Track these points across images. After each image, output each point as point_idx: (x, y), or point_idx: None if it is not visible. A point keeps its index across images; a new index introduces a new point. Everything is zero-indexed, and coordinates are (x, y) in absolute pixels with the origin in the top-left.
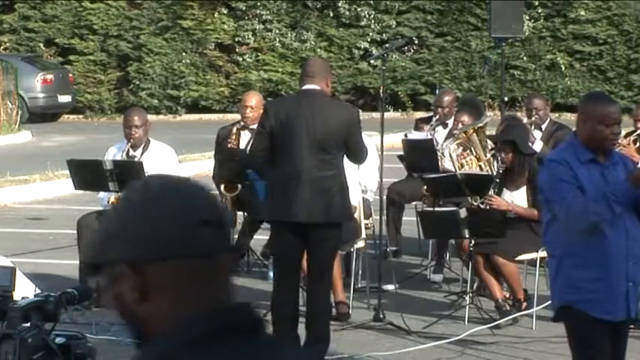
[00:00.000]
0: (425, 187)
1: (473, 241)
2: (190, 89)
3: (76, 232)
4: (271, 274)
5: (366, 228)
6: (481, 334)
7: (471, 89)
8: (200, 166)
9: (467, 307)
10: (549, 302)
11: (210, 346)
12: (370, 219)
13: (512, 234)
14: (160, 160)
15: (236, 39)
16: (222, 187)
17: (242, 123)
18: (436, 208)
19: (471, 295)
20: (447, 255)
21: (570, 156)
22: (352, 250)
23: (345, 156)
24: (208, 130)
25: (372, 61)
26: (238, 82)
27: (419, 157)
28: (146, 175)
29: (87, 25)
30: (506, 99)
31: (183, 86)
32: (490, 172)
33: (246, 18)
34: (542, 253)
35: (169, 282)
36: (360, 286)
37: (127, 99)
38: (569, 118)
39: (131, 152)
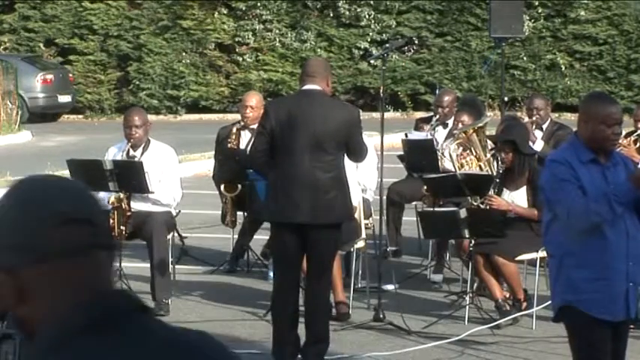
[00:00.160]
0: (425, 187)
1: (473, 241)
2: (190, 89)
3: None
4: (271, 274)
5: (366, 228)
6: (481, 334)
7: (471, 89)
8: (200, 166)
9: (467, 307)
10: (549, 302)
11: (90, 335)
12: (370, 219)
13: (512, 234)
14: (160, 160)
15: (236, 39)
16: (222, 187)
17: (242, 123)
18: (436, 208)
19: (471, 295)
20: (447, 255)
21: (571, 156)
22: (352, 250)
23: (345, 155)
24: (208, 130)
25: (372, 61)
26: (238, 82)
27: (419, 157)
28: (146, 174)
29: (87, 25)
30: (506, 99)
31: (183, 86)
32: (490, 172)
33: (246, 18)
34: (542, 253)
35: (44, 283)
36: (360, 286)
37: (127, 99)
38: (569, 118)
39: (131, 152)
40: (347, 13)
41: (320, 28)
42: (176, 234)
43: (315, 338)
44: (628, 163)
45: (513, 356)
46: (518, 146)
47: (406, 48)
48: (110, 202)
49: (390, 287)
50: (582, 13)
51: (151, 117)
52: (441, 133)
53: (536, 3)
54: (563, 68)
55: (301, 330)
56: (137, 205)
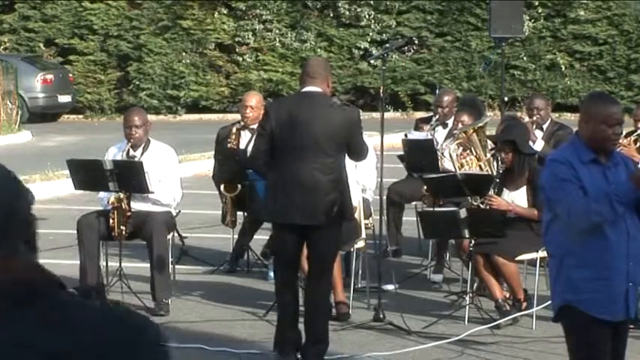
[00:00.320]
0: (425, 187)
1: (473, 241)
2: (190, 89)
3: (76, 232)
4: (271, 274)
5: (366, 228)
6: (481, 334)
7: (471, 89)
8: (200, 166)
9: (467, 307)
10: (549, 302)
11: (6, 310)
12: (370, 219)
13: (512, 234)
14: (160, 160)
15: (236, 39)
16: (222, 187)
17: (242, 123)
18: (436, 208)
19: (471, 295)
20: (447, 255)
21: (572, 156)
22: (352, 250)
23: (345, 156)
24: (208, 130)
25: (372, 61)
26: (238, 82)
27: (419, 157)
28: (146, 175)
29: (87, 25)
30: (506, 99)
31: (183, 86)
32: (490, 172)
33: (246, 18)
34: (542, 253)
35: None
36: (360, 286)
37: (127, 99)
38: (569, 118)
39: (131, 152)
40: (347, 13)
41: (320, 28)
42: (176, 234)
43: (314, 338)
44: (628, 163)
45: (513, 356)
46: (518, 146)
47: (406, 48)
48: (110, 202)
49: (390, 287)
50: (582, 13)
51: (151, 117)
52: (440, 133)
53: (536, 3)
54: (563, 68)
55: (301, 329)
56: (137, 205)
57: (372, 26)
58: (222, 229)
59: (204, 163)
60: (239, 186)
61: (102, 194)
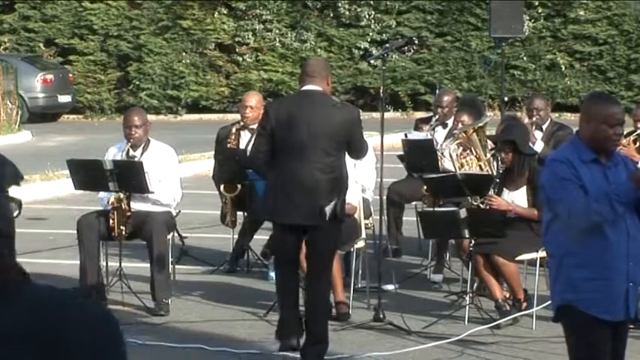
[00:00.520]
0: (425, 187)
1: (473, 241)
2: (190, 89)
3: (76, 232)
4: (271, 274)
5: (366, 228)
6: (481, 334)
7: (471, 89)
8: (200, 166)
9: (467, 307)
10: (549, 302)
11: None
12: (370, 219)
13: (512, 234)
14: (159, 160)
15: (236, 39)
16: (222, 187)
17: (242, 123)
18: (436, 208)
19: (471, 295)
20: (447, 255)
21: (573, 155)
22: (352, 250)
23: (345, 155)
24: (208, 130)
25: (372, 61)
26: (238, 82)
27: (419, 157)
28: (146, 175)
29: (87, 25)
30: (506, 99)
31: (183, 86)
32: (490, 172)
33: (246, 18)
34: (542, 253)
35: None
36: (360, 286)
37: (127, 99)
38: (569, 118)
39: (131, 152)
40: (347, 13)
41: (320, 28)
42: (176, 234)
43: (314, 339)
44: (628, 162)
45: (513, 356)
46: (518, 146)
47: (406, 48)
48: (110, 202)
49: (390, 287)
50: (582, 13)
51: (151, 117)
52: (440, 134)
53: (536, 3)
54: (563, 68)
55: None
56: (137, 205)
57: (372, 26)
58: (222, 229)
59: (204, 163)
60: (239, 186)
61: (102, 194)
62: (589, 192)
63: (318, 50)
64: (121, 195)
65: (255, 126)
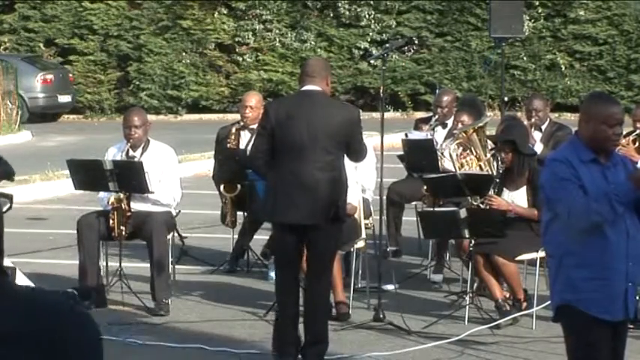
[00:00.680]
0: (425, 187)
1: (473, 241)
2: (190, 89)
3: (76, 232)
4: (271, 274)
5: (366, 228)
6: (481, 334)
7: (471, 89)
8: (200, 166)
9: (467, 307)
10: (549, 302)
11: None
12: (370, 219)
13: (512, 234)
14: (159, 160)
15: (236, 39)
16: (222, 187)
17: (242, 123)
18: (436, 208)
19: (471, 295)
20: (447, 255)
21: (572, 155)
22: (352, 250)
23: (345, 155)
24: (208, 130)
25: (372, 61)
26: (238, 82)
27: (419, 157)
28: (146, 175)
29: (87, 25)
30: (506, 99)
31: (183, 86)
32: (490, 172)
33: (246, 18)
34: (542, 253)
35: None
36: (360, 286)
37: (127, 99)
38: (569, 118)
39: (131, 152)
40: (347, 13)
41: (320, 28)
42: (176, 234)
43: (314, 339)
44: (627, 163)
45: (513, 356)
46: (518, 146)
47: (406, 48)
48: (110, 203)
49: (390, 287)
50: (582, 13)
51: (151, 117)
52: (440, 134)
53: (537, 3)
54: (563, 68)
55: (300, 330)
56: (137, 205)
57: (372, 26)
58: (222, 229)
59: (204, 163)
60: (239, 186)
61: (102, 194)
62: (588, 192)
63: (318, 50)
64: (121, 195)
65: (255, 126)
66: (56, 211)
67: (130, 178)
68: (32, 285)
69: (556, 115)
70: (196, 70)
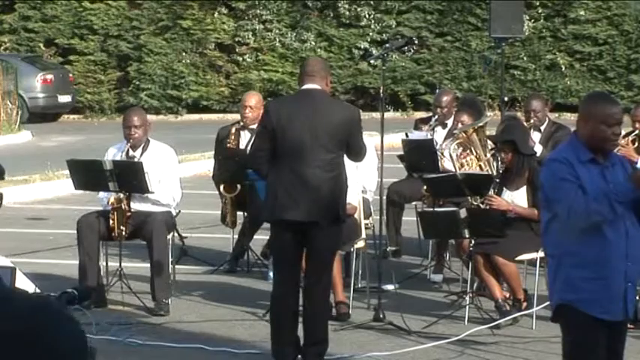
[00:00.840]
0: (425, 187)
1: (473, 241)
2: (190, 89)
3: (76, 232)
4: (271, 274)
5: (366, 228)
6: (481, 334)
7: (471, 89)
8: (200, 166)
9: (467, 307)
10: (549, 302)
11: None
12: (370, 219)
13: (512, 234)
14: (159, 160)
15: (236, 39)
16: (222, 187)
17: (242, 123)
18: (436, 208)
19: (471, 295)
20: (447, 255)
21: (571, 155)
22: (352, 250)
23: (345, 155)
24: (208, 130)
25: (372, 61)
26: (238, 82)
27: (419, 157)
28: (146, 175)
29: (87, 25)
30: (506, 99)
31: (183, 86)
32: (490, 172)
33: (246, 18)
34: (542, 253)
35: None
36: (360, 286)
37: (127, 99)
38: (569, 118)
39: (131, 152)
40: (347, 13)
41: (320, 28)
42: (176, 234)
43: (314, 339)
44: (625, 163)
45: (513, 356)
46: (518, 146)
47: (406, 48)
48: (110, 203)
49: (390, 287)
50: (582, 13)
51: (151, 117)
52: (440, 134)
53: (537, 3)
54: (563, 68)
55: (300, 330)
56: (137, 206)
57: (372, 26)
58: (222, 229)
59: (204, 163)
60: (239, 186)
61: (102, 194)
62: (588, 192)
63: (318, 50)
64: (121, 195)
65: (255, 126)
66: (56, 211)
67: (130, 178)
68: (32, 285)
69: (556, 115)
70: (196, 70)
